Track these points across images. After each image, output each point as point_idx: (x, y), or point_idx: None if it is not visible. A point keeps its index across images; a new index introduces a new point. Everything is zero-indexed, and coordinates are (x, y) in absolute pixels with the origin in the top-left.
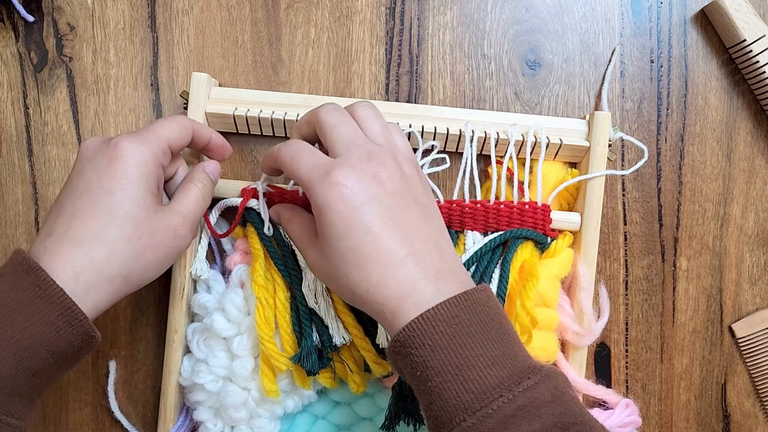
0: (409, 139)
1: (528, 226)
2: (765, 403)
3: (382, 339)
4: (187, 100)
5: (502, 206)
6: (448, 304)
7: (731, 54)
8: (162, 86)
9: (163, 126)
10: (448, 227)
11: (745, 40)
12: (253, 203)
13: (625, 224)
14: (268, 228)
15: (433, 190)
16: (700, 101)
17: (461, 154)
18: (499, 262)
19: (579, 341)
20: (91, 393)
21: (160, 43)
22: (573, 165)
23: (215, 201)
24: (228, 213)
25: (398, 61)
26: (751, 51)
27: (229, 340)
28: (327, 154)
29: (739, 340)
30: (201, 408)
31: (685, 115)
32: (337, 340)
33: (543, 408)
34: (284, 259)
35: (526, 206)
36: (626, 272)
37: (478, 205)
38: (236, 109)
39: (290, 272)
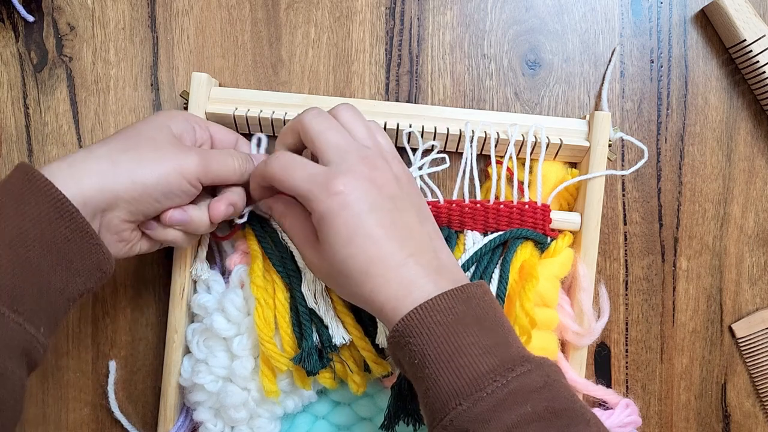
0: (408, 139)
1: (528, 226)
2: (765, 403)
3: (382, 339)
4: (188, 100)
5: (501, 206)
6: (445, 297)
7: (731, 54)
8: (162, 86)
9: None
10: (448, 227)
11: (745, 40)
12: (248, 207)
13: (625, 224)
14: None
15: (432, 191)
16: (700, 101)
17: (461, 154)
18: (499, 262)
19: (579, 341)
20: (91, 393)
21: (160, 43)
22: (573, 165)
23: None
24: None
25: (398, 61)
26: (751, 51)
27: (229, 340)
28: (314, 160)
29: (739, 340)
30: (201, 408)
31: (685, 115)
32: (337, 340)
33: (534, 393)
34: (282, 260)
35: (526, 206)
36: (626, 272)
37: (478, 205)
38: (236, 109)
39: (289, 273)
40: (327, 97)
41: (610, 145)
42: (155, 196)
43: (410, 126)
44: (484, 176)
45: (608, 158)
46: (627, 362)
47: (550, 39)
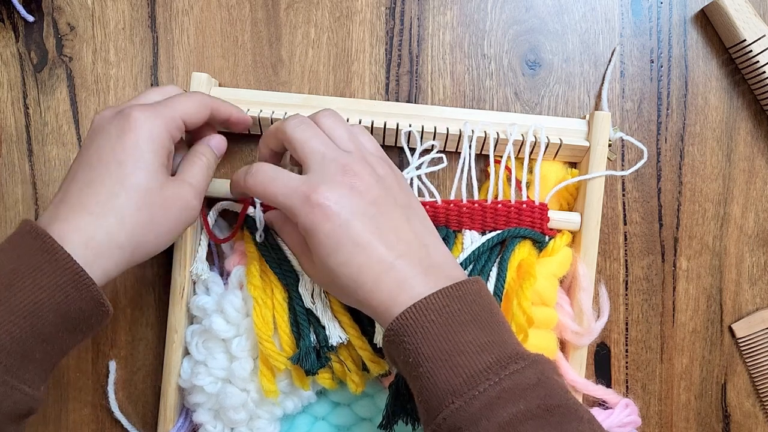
0: (408, 139)
1: (526, 225)
2: (765, 403)
3: (379, 338)
4: None
5: (499, 206)
6: (439, 295)
7: (731, 54)
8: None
9: (180, 101)
10: (446, 227)
11: (745, 40)
12: (249, 210)
13: (625, 224)
14: (260, 236)
15: (430, 192)
16: (700, 101)
17: (460, 153)
18: (497, 260)
19: (578, 341)
20: (91, 393)
21: (160, 43)
22: (573, 165)
23: (213, 201)
24: (226, 213)
25: (398, 61)
26: (751, 51)
27: (228, 341)
28: (296, 164)
29: (739, 340)
30: (200, 410)
31: (685, 115)
32: (334, 339)
33: (528, 390)
34: (278, 261)
35: (524, 205)
36: (626, 272)
37: (476, 205)
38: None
39: (285, 274)
40: (327, 97)
41: (610, 145)
42: None
43: (410, 126)
44: (484, 176)
45: (608, 158)
46: (627, 362)
47: (550, 39)
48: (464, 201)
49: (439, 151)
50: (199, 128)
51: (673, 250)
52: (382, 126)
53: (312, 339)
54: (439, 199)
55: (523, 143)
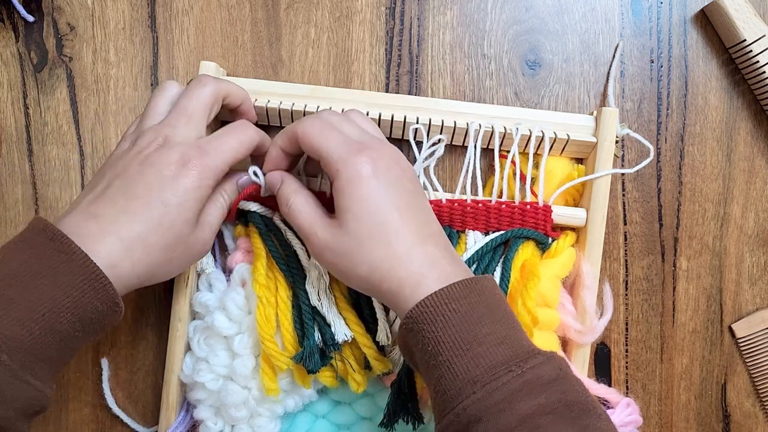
0: (415, 135)
1: (529, 226)
2: (765, 403)
3: (382, 336)
4: None
5: (503, 206)
6: (460, 285)
7: (731, 54)
8: None
9: (231, 144)
10: (450, 226)
11: (745, 40)
12: (253, 207)
13: (625, 224)
14: (262, 230)
15: (435, 188)
16: (700, 101)
17: (467, 147)
18: (501, 261)
19: (581, 339)
20: (90, 393)
21: (160, 43)
22: (579, 161)
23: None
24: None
25: (398, 61)
26: (751, 51)
27: (230, 338)
28: (307, 167)
29: (739, 340)
30: (201, 406)
31: (685, 115)
32: (340, 337)
33: (548, 385)
34: (286, 258)
35: (528, 206)
36: (626, 272)
37: (480, 205)
38: None
39: (292, 272)
40: (333, 88)
41: (617, 142)
42: None
43: (417, 120)
44: (491, 170)
45: (615, 154)
46: (627, 362)
47: (550, 39)
48: (468, 200)
49: (446, 145)
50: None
51: (673, 250)
52: (389, 118)
53: (317, 337)
54: (444, 197)
55: (529, 138)
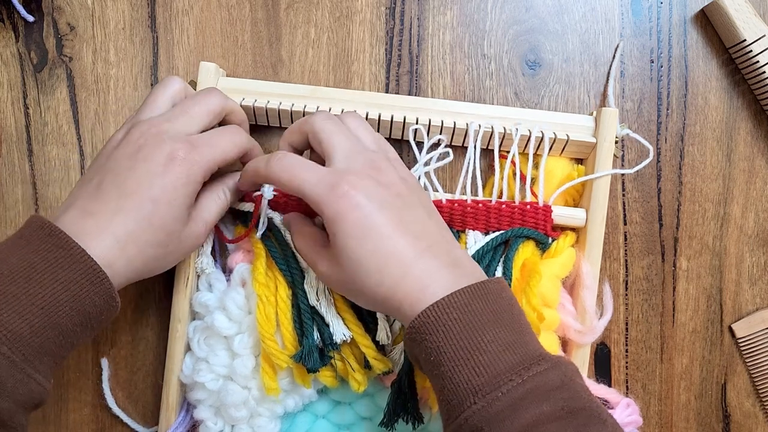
0: (414, 136)
1: (529, 226)
2: (765, 403)
3: (382, 335)
4: (195, 90)
5: (503, 206)
6: (462, 293)
7: (731, 54)
8: None
9: (222, 143)
10: (450, 226)
11: (745, 40)
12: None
13: (625, 224)
14: (263, 232)
15: (435, 189)
16: (700, 101)
17: (467, 148)
18: (501, 260)
19: (581, 339)
20: (90, 393)
21: (160, 43)
22: (579, 161)
23: None
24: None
25: (398, 61)
26: (751, 51)
27: (229, 338)
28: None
29: (739, 340)
30: (201, 406)
31: (685, 115)
32: (338, 337)
33: (551, 392)
34: (285, 258)
35: (528, 206)
36: (626, 272)
37: (480, 205)
38: (243, 99)
39: (292, 271)
40: (333, 89)
41: (616, 142)
42: None
43: (417, 121)
44: (491, 171)
45: (614, 155)
46: (627, 362)
47: (550, 39)
48: (468, 200)
49: (446, 146)
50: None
51: (673, 250)
52: (389, 119)
53: (315, 337)
54: (443, 197)
55: (529, 139)
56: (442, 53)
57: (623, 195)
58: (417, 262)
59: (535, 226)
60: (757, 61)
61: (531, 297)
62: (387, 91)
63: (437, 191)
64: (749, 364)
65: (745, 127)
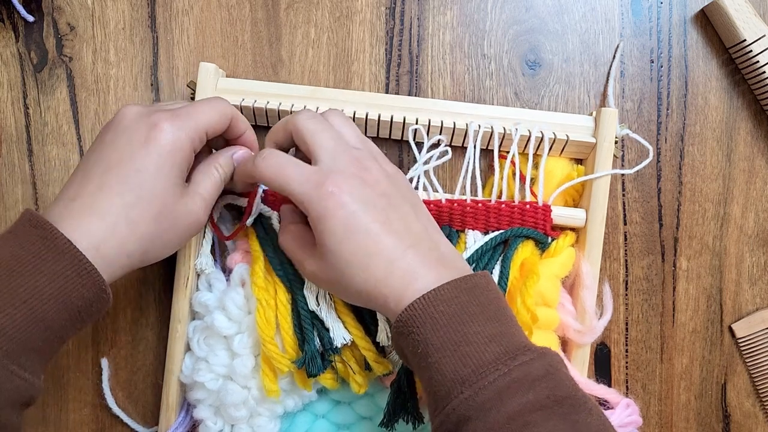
0: (414, 136)
1: (528, 226)
2: (765, 403)
3: (383, 337)
4: (195, 90)
5: (503, 206)
6: (448, 287)
7: (731, 54)
8: (162, 86)
9: (204, 111)
10: (449, 226)
11: (745, 40)
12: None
13: (625, 224)
14: (261, 233)
15: (435, 189)
16: (700, 101)
17: (467, 148)
18: (500, 259)
19: (580, 339)
20: (90, 393)
21: (160, 43)
22: (579, 162)
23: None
24: (230, 207)
25: (398, 61)
26: (751, 51)
27: (229, 338)
28: (303, 160)
29: (739, 340)
30: (201, 406)
31: (685, 115)
32: (338, 341)
33: (536, 382)
34: (282, 264)
35: (527, 206)
36: (626, 272)
37: (479, 205)
38: (243, 100)
39: (290, 277)
40: (333, 90)
41: (616, 142)
42: None
43: (416, 121)
44: (491, 171)
45: (614, 155)
46: (627, 362)
47: (550, 39)
48: (468, 200)
49: (446, 146)
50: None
51: (673, 250)
52: (389, 119)
53: (316, 343)
54: (443, 197)
55: (529, 139)
56: (442, 53)
57: (623, 195)
58: (402, 260)
59: (534, 226)
60: (757, 61)
61: (526, 297)
62: (387, 91)
63: (437, 191)
64: (749, 364)
65: (745, 127)
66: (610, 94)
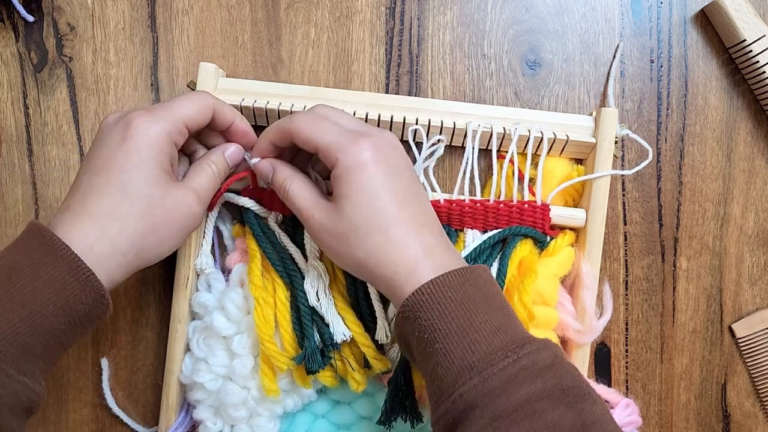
0: (414, 136)
1: (527, 225)
2: (765, 403)
3: (381, 334)
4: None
5: (501, 205)
6: (456, 274)
7: (731, 54)
8: (162, 86)
9: (181, 103)
10: (448, 225)
11: (745, 40)
12: (249, 203)
13: (625, 224)
14: (259, 233)
15: (434, 189)
16: (700, 101)
17: (466, 149)
18: (498, 257)
19: (580, 339)
20: (90, 393)
21: (160, 43)
22: (579, 162)
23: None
24: (232, 206)
25: (398, 61)
26: (751, 51)
27: (228, 338)
28: (295, 165)
29: (739, 340)
30: (201, 406)
31: (685, 115)
32: (338, 337)
33: (543, 371)
34: (282, 260)
35: (526, 206)
36: (626, 272)
37: (478, 204)
38: (243, 99)
39: (289, 273)
40: (332, 89)
41: (616, 142)
42: None
43: (416, 121)
44: (490, 171)
45: (614, 155)
46: (627, 362)
47: (550, 39)
48: (467, 200)
49: (446, 146)
50: (208, 135)
51: (673, 250)
52: (389, 119)
53: (316, 339)
54: (442, 198)
55: (528, 139)
56: (442, 53)
57: (623, 195)
58: (419, 233)
59: (533, 225)
60: (757, 61)
61: (523, 295)
62: (387, 91)
63: (435, 191)
64: (749, 364)
65: (745, 127)
66: (610, 94)
